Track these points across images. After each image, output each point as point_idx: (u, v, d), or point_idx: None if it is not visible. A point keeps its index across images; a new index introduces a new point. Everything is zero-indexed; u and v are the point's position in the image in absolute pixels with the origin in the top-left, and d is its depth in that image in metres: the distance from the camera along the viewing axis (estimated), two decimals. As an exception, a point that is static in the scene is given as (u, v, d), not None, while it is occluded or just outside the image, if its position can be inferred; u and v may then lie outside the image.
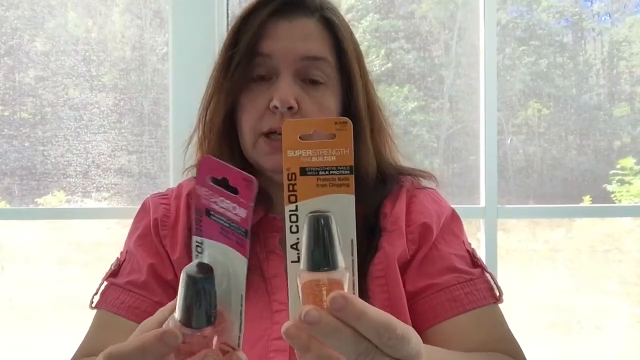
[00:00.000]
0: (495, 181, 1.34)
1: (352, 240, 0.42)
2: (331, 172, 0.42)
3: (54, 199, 1.36)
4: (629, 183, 1.51)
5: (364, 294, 0.70)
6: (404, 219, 0.76)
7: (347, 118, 0.42)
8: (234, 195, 0.41)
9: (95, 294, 0.77)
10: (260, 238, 0.76)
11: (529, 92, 1.51)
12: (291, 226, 0.42)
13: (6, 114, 1.38)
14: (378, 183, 0.78)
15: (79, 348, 0.76)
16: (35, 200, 1.36)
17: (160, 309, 0.44)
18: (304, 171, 0.42)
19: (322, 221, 0.40)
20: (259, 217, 0.76)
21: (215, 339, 0.41)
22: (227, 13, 1.31)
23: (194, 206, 0.42)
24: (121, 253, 0.81)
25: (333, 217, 0.41)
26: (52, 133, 1.35)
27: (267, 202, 0.78)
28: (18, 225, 1.43)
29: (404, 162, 0.86)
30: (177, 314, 0.40)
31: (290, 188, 0.42)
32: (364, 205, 0.75)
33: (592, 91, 1.54)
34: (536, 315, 1.54)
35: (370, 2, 1.50)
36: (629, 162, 1.51)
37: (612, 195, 1.52)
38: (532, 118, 1.52)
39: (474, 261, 0.77)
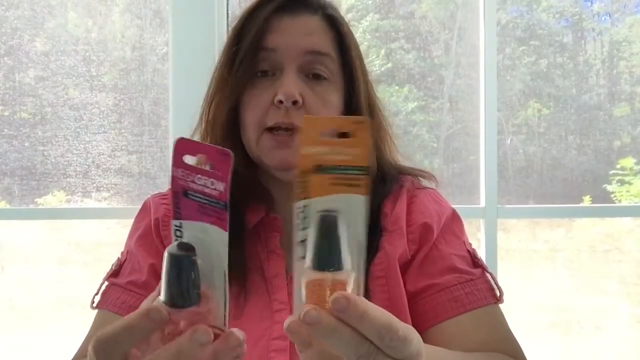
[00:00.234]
0: (495, 181, 1.34)
1: (361, 242, 0.41)
2: (345, 171, 0.41)
3: (54, 199, 1.36)
4: (629, 183, 1.51)
5: (365, 294, 0.70)
6: (404, 218, 0.76)
7: (365, 117, 0.41)
8: (210, 170, 0.40)
9: (96, 294, 0.77)
10: (261, 238, 0.76)
11: (529, 92, 1.51)
12: (299, 223, 0.41)
13: (6, 114, 1.38)
14: (378, 182, 0.78)
15: (79, 348, 0.76)
16: (35, 200, 1.36)
17: (145, 300, 0.44)
18: (318, 169, 0.41)
19: (331, 221, 0.40)
20: (260, 216, 0.76)
21: (202, 318, 0.40)
22: (227, 13, 1.31)
23: (170, 190, 0.41)
24: (122, 253, 0.81)
25: (342, 218, 0.40)
26: (52, 133, 1.35)
27: (268, 201, 0.78)
28: (18, 225, 1.43)
29: (404, 162, 0.86)
30: (161, 296, 0.40)
31: (302, 184, 0.41)
32: None
33: (592, 91, 1.55)
34: (536, 315, 1.54)
35: (370, 2, 1.51)
36: (629, 162, 1.51)
37: (612, 195, 1.52)
38: (532, 118, 1.52)
39: (475, 261, 0.77)
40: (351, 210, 0.41)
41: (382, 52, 1.47)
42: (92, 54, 1.37)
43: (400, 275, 0.73)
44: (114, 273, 0.78)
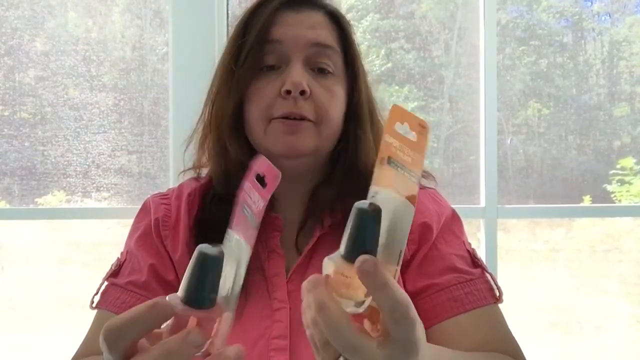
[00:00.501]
0: (495, 181, 1.34)
1: (400, 251, 0.41)
2: (404, 172, 0.41)
3: (54, 199, 1.36)
4: (629, 183, 1.51)
5: None
6: (404, 218, 0.76)
7: (426, 123, 0.41)
8: (262, 188, 0.42)
9: (96, 294, 0.77)
10: (261, 237, 0.76)
11: (529, 92, 1.51)
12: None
13: (6, 114, 1.38)
14: None
15: (79, 348, 0.76)
16: (35, 200, 1.36)
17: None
18: (389, 161, 0.41)
19: (371, 217, 0.39)
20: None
21: (211, 324, 0.41)
22: (227, 13, 1.31)
23: (236, 200, 0.43)
24: (122, 253, 0.81)
25: (382, 215, 0.40)
26: (52, 133, 1.35)
27: (269, 201, 0.78)
28: (18, 225, 1.43)
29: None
30: (179, 290, 0.40)
31: (377, 172, 0.41)
32: (363, 197, 0.76)
33: (592, 91, 1.55)
34: (536, 315, 1.54)
35: (370, 2, 1.51)
36: (629, 162, 1.51)
37: (612, 195, 1.52)
38: (532, 118, 1.52)
39: (474, 261, 0.77)
40: (399, 215, 0.40)
41: (382, 52, 1.47)
42: (92, 54, 1.37)
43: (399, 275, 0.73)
44: (114, 273, 0.78)
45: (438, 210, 0.79)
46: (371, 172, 0.42)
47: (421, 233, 0.75)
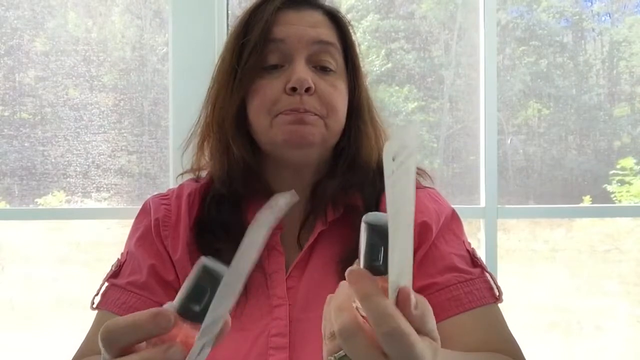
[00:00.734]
0: (495, 181, 1.34)
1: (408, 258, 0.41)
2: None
3: (54, 199, 1.36)
4: (629, 183, 1.51)
5: None
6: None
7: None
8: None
9: (96, 294, 0.77)
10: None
11: (529, 92, 1.50)
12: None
13: (6, 114, 1.38)
14: (376, 176, 0.79)
15: (79, 348, 0.76)
16: (35, 200, 1.36)
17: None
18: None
19: (381, 233, 0.39)
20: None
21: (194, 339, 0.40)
22: (227, 13, 1.31)
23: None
24: (122, 254, 0.81)
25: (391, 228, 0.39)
26: (52, 133, 1.35)
27: (269, 197, 0.78)
28: (18, 225, 1.43)
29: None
30: (175, 299, 0.40)
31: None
32: (363, 194, 0.76)
33: (592, 91, 1.54)
34: (536, 315, 1.54)
35: (370, 2, 1.51)
36: (629, 162, 1.51)
37: (612, 196, 1.52)
38: (532, 118, 1.52)
39: (474, 261, 0.77)
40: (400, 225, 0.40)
41: (382, 52, 1.47)
42: (92, 54, 1.37)
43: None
44: (114, 274, 0.78)
45: (438, 209, 0.79)
46: (372, 165, 0.42)
47: (421, 232, 0.76)
